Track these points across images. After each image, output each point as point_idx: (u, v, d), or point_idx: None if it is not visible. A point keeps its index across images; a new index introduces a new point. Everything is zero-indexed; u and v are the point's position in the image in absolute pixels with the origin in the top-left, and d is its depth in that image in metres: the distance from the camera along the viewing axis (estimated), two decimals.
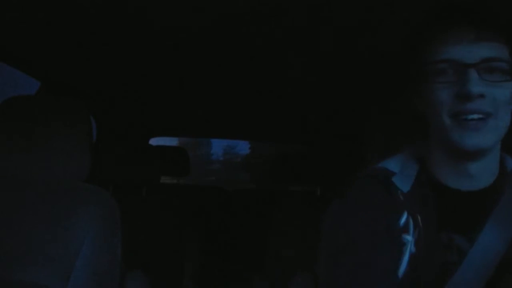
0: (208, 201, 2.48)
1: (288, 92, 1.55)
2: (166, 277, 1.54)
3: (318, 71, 1.28)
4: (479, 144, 0.65)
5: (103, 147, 1.70)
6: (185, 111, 1.95)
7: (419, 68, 0.71)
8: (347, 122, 1.88)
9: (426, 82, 0.69)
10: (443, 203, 0.70)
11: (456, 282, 0.64)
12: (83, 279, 0.86)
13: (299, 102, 1.69)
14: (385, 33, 0.96)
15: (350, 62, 1.17)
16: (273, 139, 2.69)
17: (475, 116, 0.65)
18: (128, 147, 1.66)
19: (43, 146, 0.94)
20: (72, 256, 0.86)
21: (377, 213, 0.69)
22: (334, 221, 0.74)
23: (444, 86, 0.66)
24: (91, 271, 0.88)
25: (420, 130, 0.76)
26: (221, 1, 0.85)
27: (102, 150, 1.63)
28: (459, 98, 0.65)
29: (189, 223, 1.73)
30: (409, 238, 0.67)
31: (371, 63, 1.16)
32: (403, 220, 0.68)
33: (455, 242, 0.67)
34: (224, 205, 2.50)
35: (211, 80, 1.44)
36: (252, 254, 2.35)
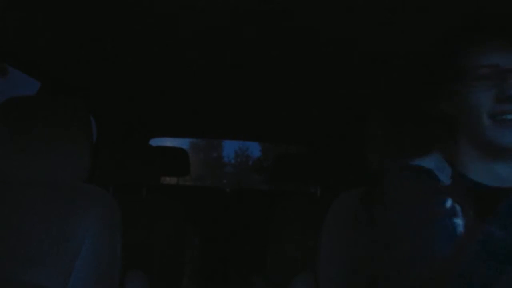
0: (208, 201, 2.48)
1: (289, 93, 1.55)
2: (166, 277, 1.54)
3: (319, 71, 1.28)
4: None
5: (103, 147, 1.70)
6: (186, 111, 1.95)
7: (455, 72, 0.76)
8: (347, 122, 1.88)
9: (463, 86, 0.74)
10: (477, 199, 0.72)
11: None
12: (83, 279, 0.86)
13: (300, 102, 1.69)
14: (386, 37, 0.96)
15: (351, 62, 1.17)
16: (274, 139, 2.70)
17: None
18: (128, 147, 1.66)
19: (43, 146, 0.94)
20: (72, 256, 0.86)
21: (425, 199, 0.73)
22: (384, 211, 0.78)
23: (484, 89, 0.72)
24: (91, 271, 0.88)
25: (445, 132, 0.80)
26: (221, 1, 0.85)
27: (102, 150, 1.63)
28: (499, 100, 0.71)
29: (189, 224, 1.73)
30: (458, 221, 0.71)
31: (371, 64, 1.16)
32: (448, 204, 0.72)
33: (493, 236, 0.67)
34: (224, 205, 2.50)
35: (211, 80, 1.44)
36: (252, 254, 2.35)
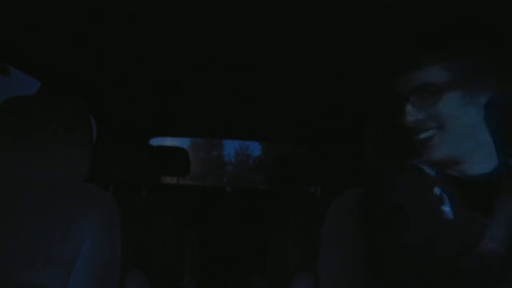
0: (208, 201, 2.48)
1: (289, 92, 1.55)
2: (166, 277, 1.54)
3: (318, 71, 1.28)
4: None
5: (103, 147, 1.69)
6: (185, 111, 1.95)
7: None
8: (347, 122, 1.88)
9: None
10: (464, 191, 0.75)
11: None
12: (83, 279, 0.86)
13: (300, 102, 1.69)
14: (385, 36, 0.96)
15: (351, 62, 1.17)
16: (273, 139, 2.69)
17: (422, 136, 0.74)
18: (128, 147, 1.66)
19: (43, 146, 0.94)
20: (72, 256, 0.86)
21: (425, 201, 0.75)
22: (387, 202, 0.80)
23: None
24: (91, 271, 0.88)
25: None
26: (221, 1, 0.86)
27: (102, 150, 1.63)
28: None
29: (189, 223, 1.73)
30: (447, 208, 0.73)
31: (371, 64, 1.16)
32: (437, 192, 0.74)
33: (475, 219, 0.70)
34: (224, 205, 2.50)
35: (211, 80, 1.44)
36: (252, 254, 2.35)
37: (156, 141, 2.55)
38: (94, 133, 0.99)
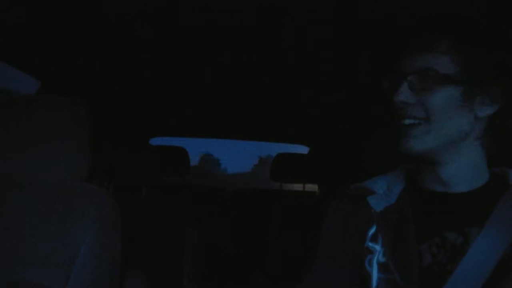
0: (208, 201, 2.48)
1: (289, 92, 1.55)
2: (165, 277, 1.54)
3: (318, 70, 1.28)
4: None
5: (103, 147, 1.70)
6: (185, 111, 1.95)
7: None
8: (347, 122, 1.88)
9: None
10: (431, 207, 0.74)
11: (453, 285, 0.65)
12: (83, 279, 0.86)
13: (300, 102, 1.69)
14: (385, 37, 0.96)
15: (350, 62, 1.17)
16: (273, 139, 2.69)
17: (407, 121, 0.71)
18: (128, 147, 1.66)
19: (43, 146, 0.94)
20: (72, 256, 0.86)
21: (350, 224, 0.80)
22: (322, 230, 0.86)
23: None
24: (91, 271, 0.88)
25: None
26: (221, 1, 0.86)
27: (102, 150, 1.63)
28: (394, 106, 0.72)
29: (189, 223, 1.73)
30: (377, 247, 0.74)
31: (371, 63, 1.16)
32: (371, 232, 0.76)
33: (448, 240, 0.70)
34: (224, 205, 2.50)
35: (211, 80, 1.44)
36: (252, 254, 2.35)
37: (157, 141, 2.54)
38: (94, 133, 0.99)
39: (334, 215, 0.85)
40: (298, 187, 2.49)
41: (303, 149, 2.63)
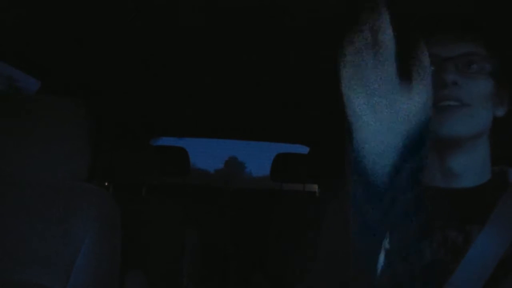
0: (208, 201, 2.48)
1: (289, 92, 1.55)
2: (165, 277, 1.54)
3: (318, 70, 1.28)
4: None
5: (103, 147, 1.69)
6: (186, 111, 1.95)
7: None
8: (347, 122, 1.88)
9: None
10: (433, 203, 0.72)
11: (453, 283, 0.65)
12: (83, 279, 0.86)
13: (300, 102, 1.69)
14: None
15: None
16: (273, 139, 2.69)
17: (451, 102, 0.69)
18: (128, 147, 1.66)
19: (43, 146, 0.94)
20: (72, 256, 0.86)
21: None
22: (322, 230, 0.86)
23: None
24: (91, 271, 0.88)
25: None
26: (221, 1, 0.86)
27: (102, 150, 1.63)
28: (439, 87, 0.69)
29: (189, 223, 1.73)
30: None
31: None
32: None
33: (449, 238, 0.69)
34: (224, 205, 2.50)
35: (211, 80, 1.44)
36: (252, 254, 2.35)
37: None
38: (94, 133, 0.99)
39: (335, 214, 0.84)
40: (298, 187, 2.49)
41: (304, 149, 2.64)
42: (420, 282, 0.67)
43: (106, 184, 1.69)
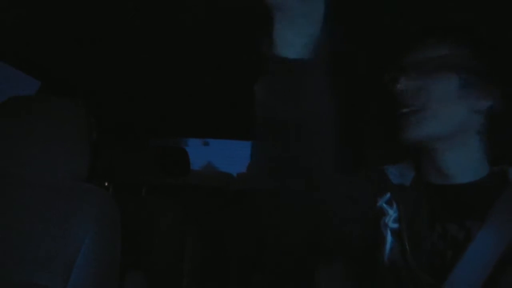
0: (208, 201, 2.48)
1: None
2: (165, 277, 1.54)
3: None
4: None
5: (103, 147, 1.70)
6: (186, 111, 1.95)
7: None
8: (347, 122, 1.88)
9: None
10: (435, 198, 0.75)
11: (455, 280, 0.65)
12: (83, 279, 0.86)
13: None
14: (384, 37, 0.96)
15: (349, 61, 1.17)
16: None
17: (404, 110, 0.73)
18: (128, 147, 1.66)
19: (43, 146, 0.94)
20: (72, 256, 0.86)
21: (368, 185, 0.79)
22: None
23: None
24: (91, 271, 0.88)
25: None
26: (221, 1, 0.86)
27: (102, 150, 1.63)
28: (397, 95, 0.74)
29: (189, 223, 1.73)
30: (391, 211, 0.75)
31: (370, 61, 1.16)
32: (387, 197, 0.77)
33: (449, 232, 0.70)
34: (224, 205, 2.50)
35: (211, 80, 1.44)
36: (252, 254, 2.35)
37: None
38: (94, 133, 0.99)
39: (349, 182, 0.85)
40: None
41: None
42: None
43: (106, 184, 1.69)
